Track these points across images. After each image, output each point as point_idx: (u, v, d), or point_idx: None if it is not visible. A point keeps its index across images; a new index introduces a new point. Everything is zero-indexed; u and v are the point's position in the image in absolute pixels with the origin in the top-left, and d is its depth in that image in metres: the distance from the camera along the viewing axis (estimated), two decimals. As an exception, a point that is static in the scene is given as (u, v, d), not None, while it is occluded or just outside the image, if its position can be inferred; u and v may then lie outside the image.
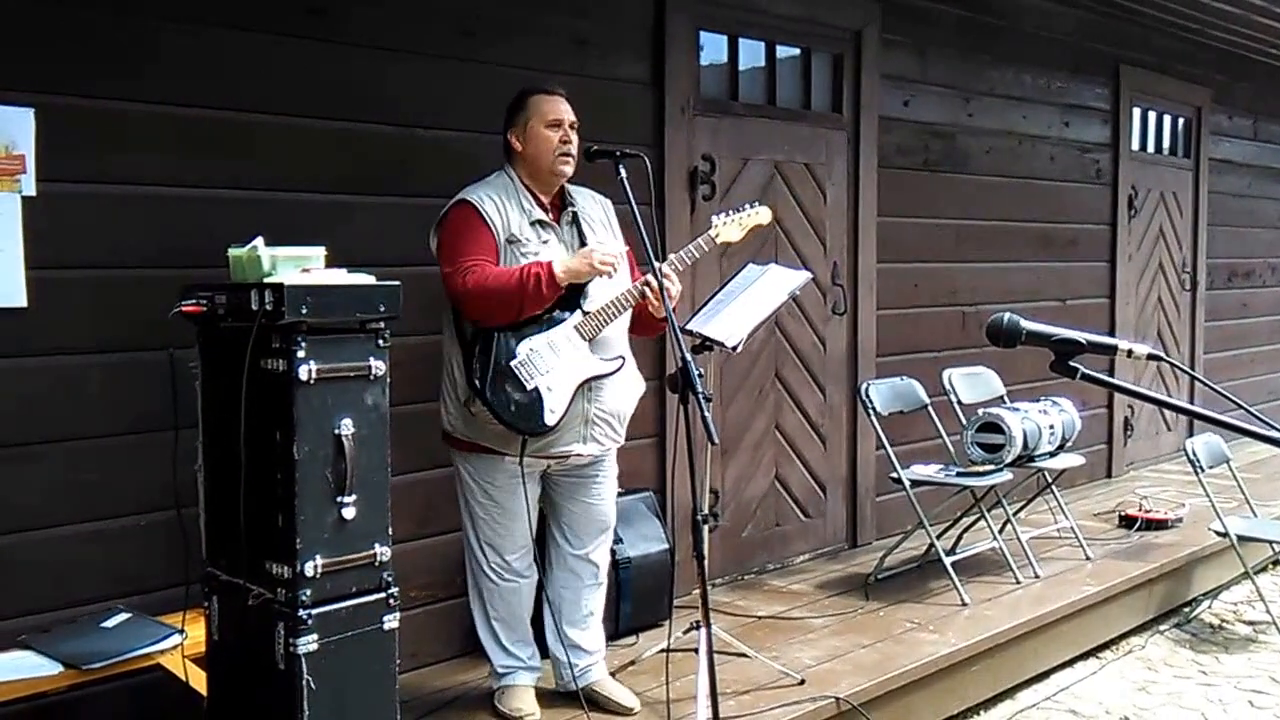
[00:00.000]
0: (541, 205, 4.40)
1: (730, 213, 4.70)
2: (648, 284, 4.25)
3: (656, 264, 4.25)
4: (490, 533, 4.49)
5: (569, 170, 4.39)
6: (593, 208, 4.54)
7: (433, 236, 4.37)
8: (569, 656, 4.65)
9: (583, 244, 4.40)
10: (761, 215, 4.76)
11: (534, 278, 4.13)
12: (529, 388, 4.17)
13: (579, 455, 4.41)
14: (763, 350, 6.52)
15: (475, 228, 4.27)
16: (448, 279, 4.23)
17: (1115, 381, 2.63)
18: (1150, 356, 2.41)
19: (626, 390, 4.49)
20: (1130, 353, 2.39)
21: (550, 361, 4.22)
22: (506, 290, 4.14)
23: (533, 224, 4.34)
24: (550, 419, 4.20)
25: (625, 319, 4.43)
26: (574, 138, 4.39)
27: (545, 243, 4.35)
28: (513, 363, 4.17)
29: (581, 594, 4.66)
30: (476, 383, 4.18)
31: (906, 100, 7.31)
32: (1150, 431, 9.93)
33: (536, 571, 4.60)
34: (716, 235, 4.60)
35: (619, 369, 4.38)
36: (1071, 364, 2.41)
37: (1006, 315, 2.44)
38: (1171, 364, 2.63)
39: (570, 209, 4.46)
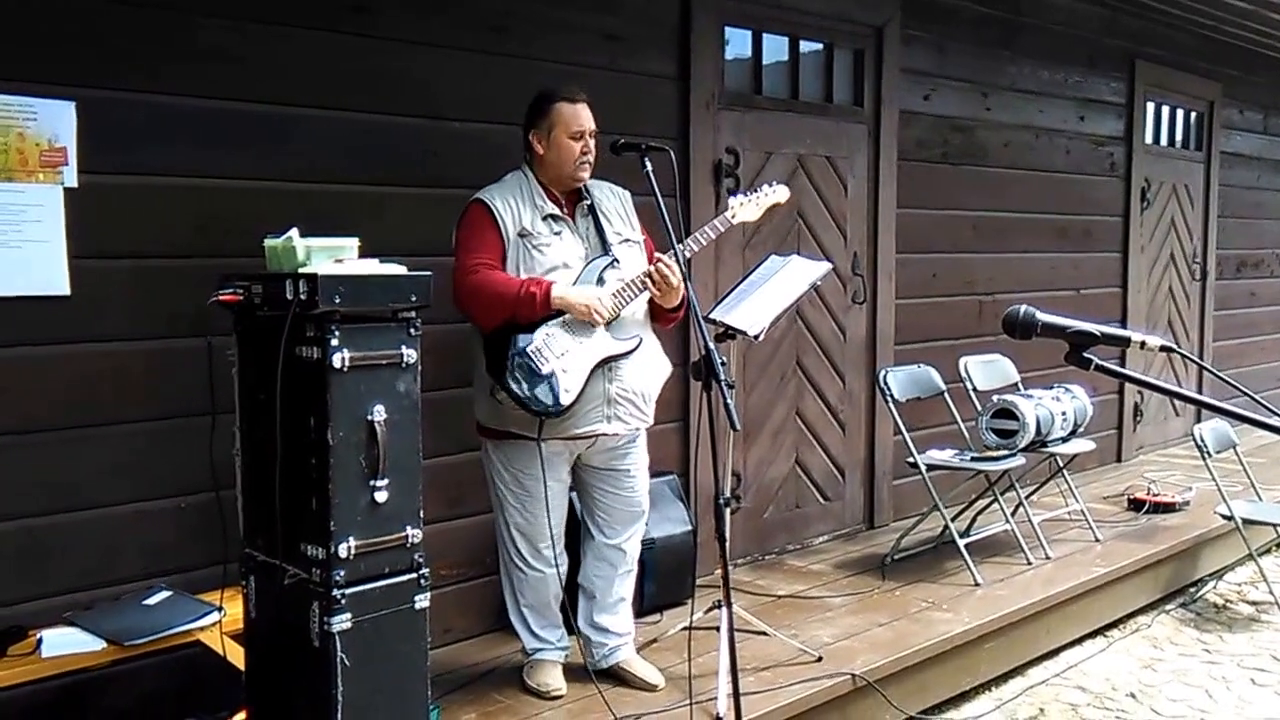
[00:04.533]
0: (556, 200, 4.37)
1: (747, 193, 4.65)
2: (649, 274, 4.25)
3: (664, 255, 4.21)
4: (520, 521, 4.45)
5: (588, 176, 4.38)
6: (610, 200, 4.48)
7: (453, 233, 4.35)
8: (599, 638, 4.62)
9: (600, 235, 4.38)
10: (779, 194, 4.70)
11: (529, 295, 4.13)
12: (544, 370, 4.13)
13: (604, 435, 4.36)
14: (784, 338, 6.46)
15: (485, 228, 4.26)
16: (454, 275, 4.23)
17: (1127, 373, 2.57)
18: (1163, 348, 2.35)
19: (649, 370, 4.43)
20: (1144, 344, 2.33)
21: (565, 344, 4.18)
22: (502, 299, 4.15)
23: (545, 218, 4.31)
24: (565, 398, 4.16)
25: (643, 303, 4.39)
26: (592, 145, 4.36)
27: (558, 234, 4.32)
28: (529, 347, 4.14)
29: (613, 581, 4.62)
30: (498, 371, 4.16)
31: (926, 94, 7.24)
32: (1159, 417, 9.83)
33: (566, 559, 4.57)
34: (733, 215, 4.56)
35: (635, 348, 4.33)
36: (1086, 355, 2.36)
37: (1023, 308, 2.39)
38: (1184, 355, 2.57)
39: (586, 202, 4.42)
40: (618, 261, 4.35)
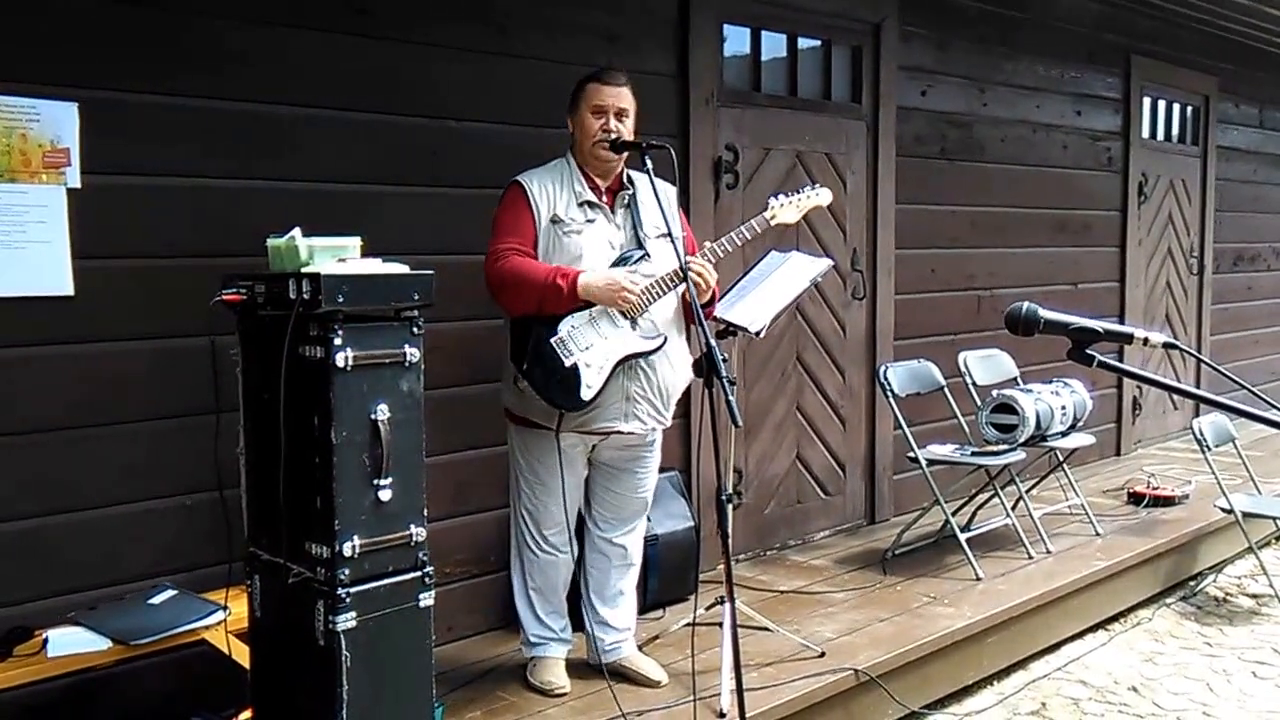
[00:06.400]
0: (595, 188, 4.34)
1: (789, 194, 4.57)
2: (677, 273, 4.16)
3: (694, 258, 4.15)
4: (531, 507, 4.46)
5: (606, 155, 4.30)
6: (651, 193, 4.37)
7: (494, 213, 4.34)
8: (600, 633, 4.61)
9: (636, 225, 4.34)
10: (822, 197, 4.65)
11: (556, 287, 4.09)
12: (567, 364, 4.11)
13: (621, 433, 4.34)
14: (784, 334, 6.45)
15: (519, 211, 4.24)
16: (486, 259, 4.21)
17: (1129, 369, 2.56)
18: (1166, 345, 2.35)
19: (672, 372, 4.38)
20: (1146, 341, 2.32)
21: (590, 338, 4.16)
22: (530, 287, 4.11)
23: (581, 205, 4.28)
24: (587, 394, 4.13)
25: (671, 301, 4.34)
26: (619, 125, 4.29)
27: (591, 222, 4.29)
28: (553, 339, 4.12)
29: (610, 574, 4.61)
30: (521, 360, 4.14)
31: (924, 90, 7.22)
32: (1158, 411, 9.82)
33: (575, 548, 4.56)
34: (772, 217, 4.50)
35: (659, 347, 4.28)
36: (1088, 352, 2.35)
37: (1025, 304, 2.37)
38: (1186, 351, 2.56)
39: (627, 192, 4.38)
40: (649, 256, 4.30)
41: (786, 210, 4.54)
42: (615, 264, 4.25)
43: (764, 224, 4.48)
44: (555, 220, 4.24)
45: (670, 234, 4.17)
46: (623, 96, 4.33)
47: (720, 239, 4.39)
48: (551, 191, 4.27)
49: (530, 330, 4.14)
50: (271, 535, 3.57)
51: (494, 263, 4.17)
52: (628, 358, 4.22)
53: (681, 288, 4.25)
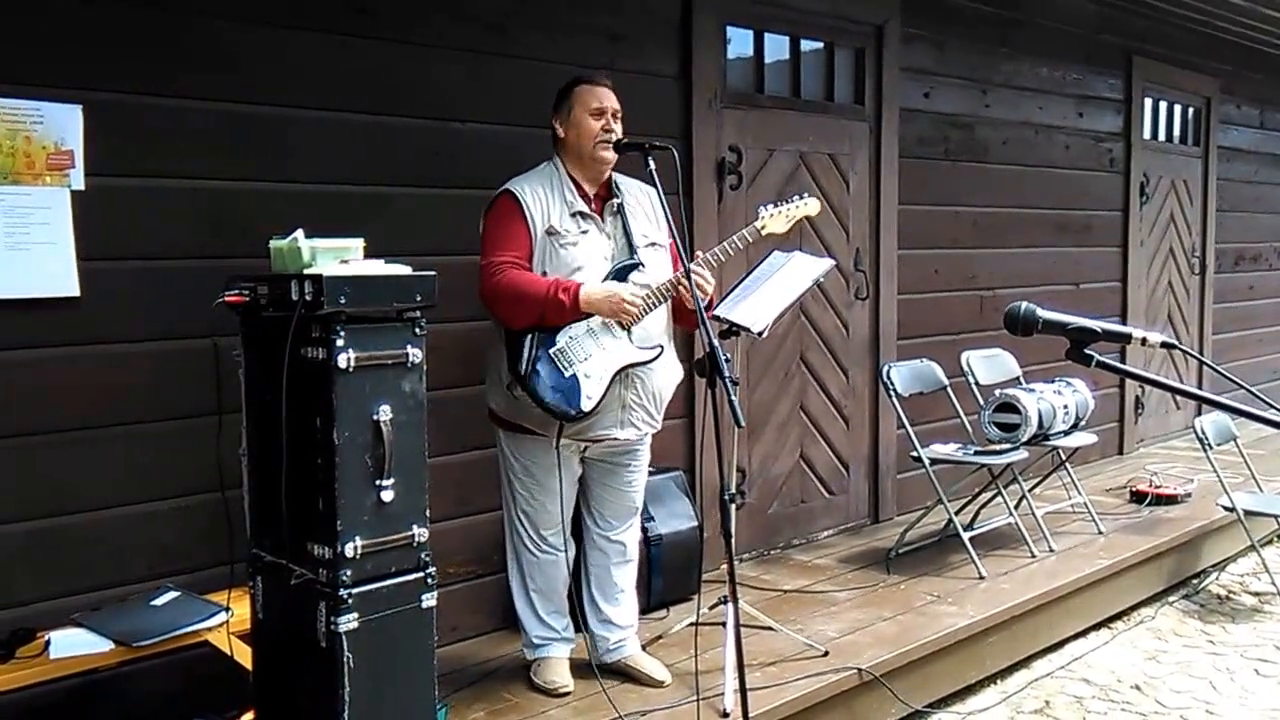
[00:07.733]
0: (585, 196, 4.30)
1: (777, 204, 4.56)
2: (678, 282, 4.15)
3: (687, 262, 4.11)
4: (529, 508, 4.43)
5: (609, 157, 4.28)
6: (639, 199, 4.40)
7: (480, 222, 4.29)
8: (604, 631, 4.59)
9: (627, 234, 4.32)
10: (809, 207, 4.63)
11: (558, 301, 4.06)
12: (567, 375, 4.09)
13: (616, 439, 4.33)
14: (788, 334, 6.42)
15: (513, 222, 4.19)
16: (481, 272, 4.17)
17: (1127, 368, 2.53)
18: (1164, 344, 2.32)
19: (663, 377, 4.38)
20: (1145, 341, 2.30)
21: (588, 349, 4.13)
22: (531, 299, 4.08)
23: (573, 215, 4.24)
24: (587, 405, 4.12)
25: (664, 308, 4.33)
26: (616, 127, 4.28)
27: (585, 233, 4.25)
28: (552, 350, 4.10)
29: (611, 571, 4.59)
30: (518, 369, 4.11)
31: (926, 92, 7.20)
32: (1160, 410, 9.78)
33: (573, 547, 4.54)
34: (763, 227, 4.48)
35: (657, 357, 4.28)
36: (1087, 352, 2.33)
37: (1024, 304, 2.36)
38: (1184, 351, 2.53)
39: (615, 200, 4.36)
40: (643, 265, 4.28)
41: (775, 220, 4.54)
42: (610, 274, 4.23)
43: (755, 234, 4.47)
44: (550, 232, 4.20)
45: (674, 239, 4.16)
46: (614, 98, 4.33)
47: (713, 248, 4.38)
48: (544, 200, 4.23)
49: (527, 340, 4.12)
50: (274, 536, 3.55)
51: (491, 277, 4.13)
52: (625, 368, 4.20)
53: (667, 302, 4.26)
